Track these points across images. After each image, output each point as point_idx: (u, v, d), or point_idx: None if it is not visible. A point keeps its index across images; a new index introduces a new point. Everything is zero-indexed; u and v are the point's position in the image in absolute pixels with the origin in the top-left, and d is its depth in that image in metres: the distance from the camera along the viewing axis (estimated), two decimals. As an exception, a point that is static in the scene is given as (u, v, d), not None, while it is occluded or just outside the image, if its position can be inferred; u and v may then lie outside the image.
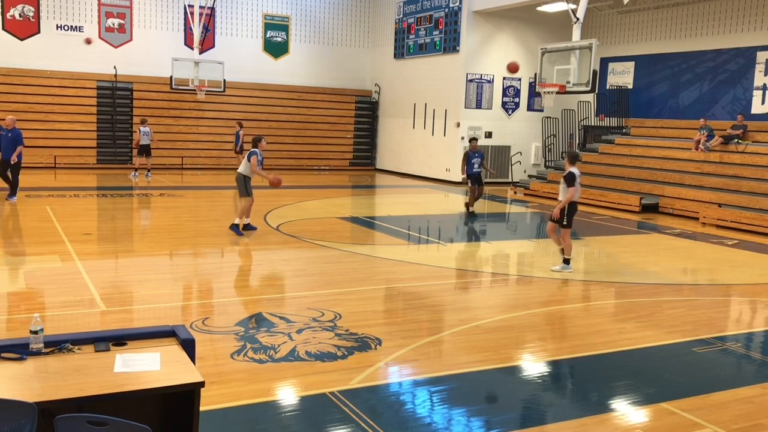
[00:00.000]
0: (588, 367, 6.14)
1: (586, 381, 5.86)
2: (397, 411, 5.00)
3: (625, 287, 9.36)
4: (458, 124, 22.78)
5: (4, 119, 14.63)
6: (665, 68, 20.99)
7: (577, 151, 10.31)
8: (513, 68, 19.12)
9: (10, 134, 14.30)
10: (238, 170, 11.90)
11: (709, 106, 19.75)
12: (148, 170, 20.58)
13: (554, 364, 6.12)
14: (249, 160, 11.63)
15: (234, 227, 11.82)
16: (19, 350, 3.26)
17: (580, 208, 17.68)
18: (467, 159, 15.53)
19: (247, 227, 12.03)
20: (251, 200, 11.85)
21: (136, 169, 20.80)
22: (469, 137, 16.22)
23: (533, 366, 6.11)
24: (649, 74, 21.49)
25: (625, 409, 5.21)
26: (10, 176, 14.57)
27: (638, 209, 16.94)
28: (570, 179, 9.61)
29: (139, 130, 20.32)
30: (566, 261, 9.89)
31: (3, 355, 3.23)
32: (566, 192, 9.62)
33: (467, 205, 15.85)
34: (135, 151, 20.88)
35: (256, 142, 11.95)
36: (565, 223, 9.78)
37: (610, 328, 7.36)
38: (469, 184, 15.69)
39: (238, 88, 24.20)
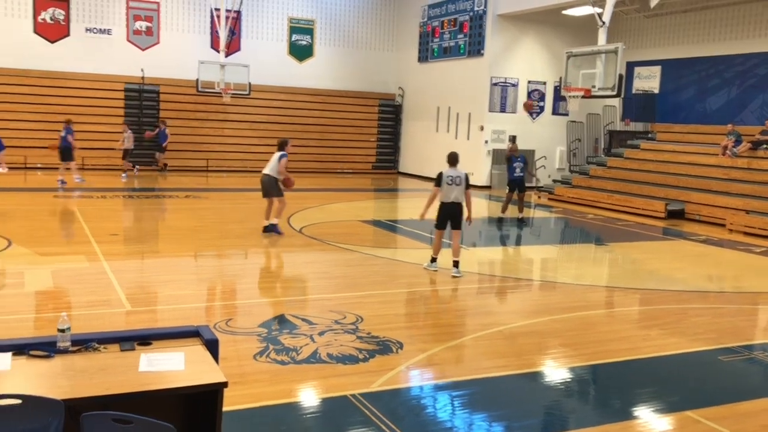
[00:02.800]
0: (611, 374, 6.09)
1: (609, 388, 5.81)
2: (418, 415, 5.00)
3: (650, 294, 9.27)
4: (482, 128, 22.71)
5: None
6: (692, 72, 20.74)
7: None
8: (528, 106, 18.99)
9: None
10: (264, 172, 11.97)
11: (738, 111, 19.47)
12: (125, 171, 20.31)
13: (577, 370, 6.07)
14: (279, 161, 11.75)
15: (272, 227, 11.94)
16: (47, 348, 3.32)
17: (605, 213, 17.68)
18: (509, 163, 15.03)
19: (270, 228, 12.11)
20: (284, 199, 12.00)
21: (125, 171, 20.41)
22: (509, 137, 15.59)
23: (556, 372, 6.07)
24: (676, 78, 21.25)
25: (648, 417, 5.16)
26: None
27: (664, 215, 16.75)
28: (437, 180, 9.61)
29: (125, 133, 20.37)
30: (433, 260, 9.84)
31: (31, 352, 3.29)
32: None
33: (502, 210, 15.43)
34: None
35: (283, 145, 12.05)
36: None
37: (634, 334, 7.29)
38: (508, 190, 15.20)
39: (263, 91, 24.37)
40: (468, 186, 9.63)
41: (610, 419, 5.09)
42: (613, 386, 5.81)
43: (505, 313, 7.99)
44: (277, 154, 11.90)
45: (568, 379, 5.89)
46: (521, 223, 15.07)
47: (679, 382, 5.94)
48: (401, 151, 27.46)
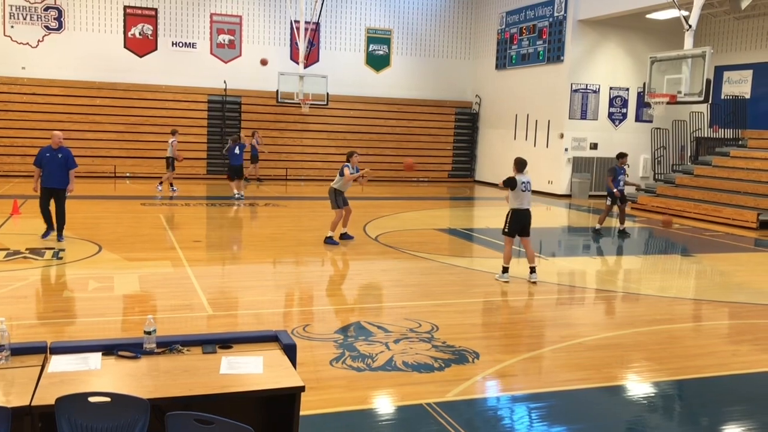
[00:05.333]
0: (697, 391, 5.83)
1: (695, 405, 5.56)
2: (495, 426, 4.92)
3: (740, 307, 8.84)
4: (562, 135, 22.28)
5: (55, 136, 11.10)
6: (787, 76, 19.74)
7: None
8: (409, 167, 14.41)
9: (60, 155, 10.95)
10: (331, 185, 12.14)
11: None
12: (161, 182, 19.32)
13: (660, 386, 5.84)
14: (342, 174, 11.88)
15: (329, 239, 12.07)
16: (134, 349, 3.45)
17: (692, 223, 17.00)
18: (614, 174, 14.28)
19: (345, 236, 12.24)
20: (341, 212, 12.08)
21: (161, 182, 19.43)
22: (618, 153, 14.88)
23: (638, 386, 5.86)
24: (769, 83, 20.26)
25: (739, 437, 4.91)
26: (54, 210, 11.11)
27: (755, 225, 15.97)
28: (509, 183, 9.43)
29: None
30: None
31: (120, 353, 3.42)
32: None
33: (599, 222, 14.61)
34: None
35: (348, 157, 12.19)
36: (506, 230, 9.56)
37: (722, 350, 6.96)
38: (608, 203, 14.43)
39: (340, 101, 24.69)
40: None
41: (697, 438, 4.87)
42: (700, 403, 5.56)
43: (585, 324, 7.78)
44: (342, 166, 12.08)
45: (652, 395, 5.68)
46: (623, 235, 14.45)
47: (772, 401, 5.63)
48: (478, 159, 27.25)
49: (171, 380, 3.18)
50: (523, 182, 9.42)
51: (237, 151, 17.90)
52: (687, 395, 5.79)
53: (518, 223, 9.48)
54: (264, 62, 21.04)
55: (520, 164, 9.58)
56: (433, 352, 6.32)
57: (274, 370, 3.34)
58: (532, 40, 23.42)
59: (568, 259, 12.43)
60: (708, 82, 14.96)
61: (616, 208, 14.71)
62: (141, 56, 23.20)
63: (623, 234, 14.39)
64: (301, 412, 3.33)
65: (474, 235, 14.49)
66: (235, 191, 17.96)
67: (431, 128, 26.51)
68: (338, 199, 11.98)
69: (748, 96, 20.84)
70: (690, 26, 15.35)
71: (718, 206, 17.37)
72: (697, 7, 15.30)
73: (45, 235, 11.15)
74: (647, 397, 5.64)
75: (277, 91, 22.45)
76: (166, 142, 18.98)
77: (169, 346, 3.52)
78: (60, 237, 11.09)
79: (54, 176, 10.89)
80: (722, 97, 21.23)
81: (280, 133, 24.57)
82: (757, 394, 5.80)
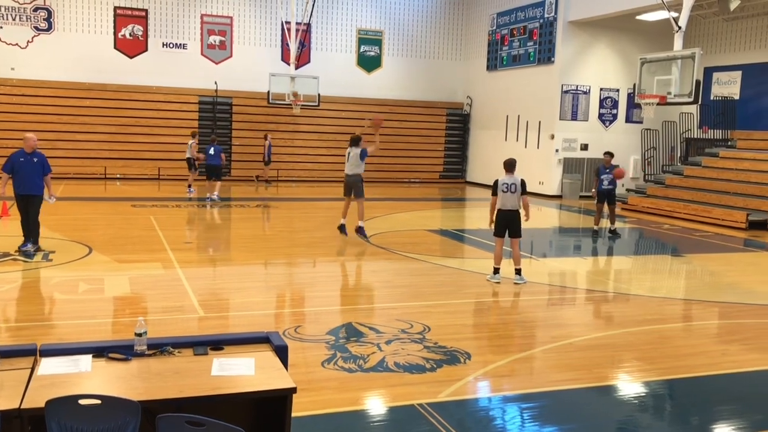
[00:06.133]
0: (688, 390, 5.86)
1: (685, 404, 5.59)
2: (486, 426, 4.93)
3: (730, 307, 8.89)
4: (552, 136, 22.35)
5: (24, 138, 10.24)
6: (776, 77, 19.87)
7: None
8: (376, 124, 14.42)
9: (35, 159, 9.99)
10: (348, 173, 12.24)
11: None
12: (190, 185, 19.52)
13: (652, 385, 5.87)
14: (363, 159, 12.15)
15: (360, 230, 12.40)
16: (124, 351, 3.44)
17: (682, 224, 17.08)
18: (597, 174, 14.30)
19: (358, 230, 12.47)
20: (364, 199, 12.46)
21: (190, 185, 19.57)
22: (604, 151, 14.89)
23: (629, 386, 5.89)
24: (758, 84, 20.39)
25: (728, 436, 4.94)
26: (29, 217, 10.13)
27: (744, 226, 16.07)
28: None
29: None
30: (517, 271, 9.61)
31: (110, 355, 3.41)
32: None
33: (595, 223, 14.54)
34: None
35: (358, 141, 12.40)
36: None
37: (712, 349, 7.00)
38: (596, 202, 14.40)
39: (331, 102, 24.68)
40: (524, 192, 9.50)
41: (688, 437, 4.90)
42: (690, 402, 5.59)
43: (575, 325, 7.81)
44: (357, 152, 12.21)
45: (643, 394, 5.70)
46: (614, 235, 14.40)
47: (762, 400, 5.66)
48: (469, 160, 27.29)
49: (162, 382, 3.17)
50: (505, 183, 9.44)
51: (212, 151, 17.70)
52: (677, 395, 5.81)
53: (502, 224, 9.55)
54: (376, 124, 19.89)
55: (507, 165, 9.63)
56: (424, 353, 6.32)
57: (265, 371, 3.34)
58: (523, 42, 23.48)
59: (558, 260, 12.47)
60: (697, 83, 15.05)
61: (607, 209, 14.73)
62: (131, 57, 23.11)
63: (614, 234, 14.41)
64: (293, 414, 3.33)
65: (465, 236, 14.52)
66: (208, 193, 17.61)
67: (422, 129, 26.53)
68: (362, 187, 12.31)
69: (737, 97, 20.97)
70: (679, 27, 15.44)
71: (708, 207, 17.47)
72: (686, 9, 15.39)
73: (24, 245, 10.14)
74: (638, 397, 5.66)
75: (268, 92, 22.42)
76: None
77: (160, 348, 3.51)
78: (30, 245, 10.06)
79: (28, 182, 9.86)
80: (711, 98, 21.36)
81: (271, 134, 24.48)
82: (746, 393, 5.83)
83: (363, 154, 12.16)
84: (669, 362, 6.47)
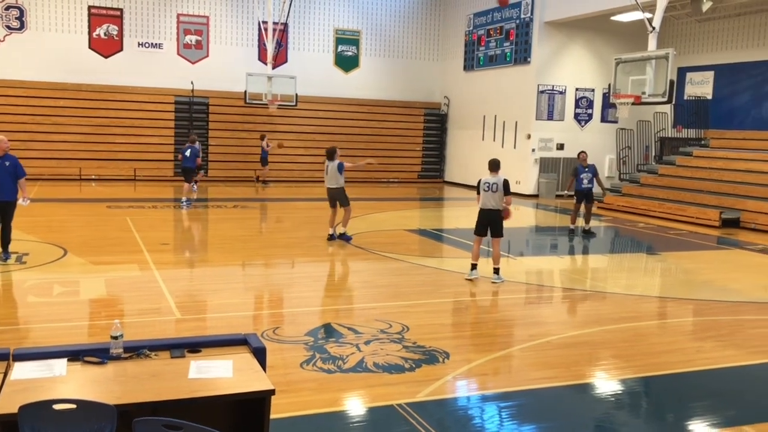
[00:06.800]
0: (664, 387, 5.93)
1: (661, 400, 5.66)
2: (465, 425, 4.95)
3: (704, 305, 9.01)
4: (529, 136, 22.50)
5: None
6: (747, 77, 20.18)
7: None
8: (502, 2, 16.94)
9: (7, 163, 9.48)
10: (329, 186, 12.27)
11: (795, 116, 18.86)
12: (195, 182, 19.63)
13: (628, 383, 5.93)
14: (341, 172, 12.10)
15: (344, 236, 12.32)
16: (100, 355, 3.40)
17: (657, 222, 17.28)
18: (575, 174, 14.26)
19: (342, 237, 12.42)
20: (350, 207, 12.48)
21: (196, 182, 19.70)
22: (580, 151, 14.92)
23: (606, 384, 5.94)
24: (730, 84, 20.70)
25: (704, 431, 5.01)
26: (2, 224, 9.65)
27: (718, 224, 16.30)
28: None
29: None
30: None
31: (85, 359, 3.37)
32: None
33: (572, 222, 14.62)
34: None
35: (333, 155, 12.27)
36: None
37: (687, 346, 7.10)
38: (575, 201, 14.37)
39: (309, 102, 24.61)
40: (507, 192, 9.55)
41: (664, 433, 4.96)
42: (666, 399, 5.66)
43: (553, 323, 7.87)
44: (334, 165, 12.14)
45: (619, 392, 5.76)
46: (588, 234, 14.45)
47: (735, 395, 5.75)
48: (447, 160, 27.38)
49: (138, 385, 3.14)
50: (487, 183, 9.52)
51: (188, 153, 17.48)
52: (653, 391, 5.88)
53: (482, 223, 9.63)
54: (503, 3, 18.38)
55: (491, 165, 9.72)
56: (403, 353, 6.33)
57: (243, 373, 3.32)
58: (500, 42, 23.61)
59: (535, 259, 12.57)
60: (671, 83, 15.22)
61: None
62: (106, 57, 22.86)
63: (588, 233, 14.51)
64: (272, 416, 3.31)
65: (444, 236, 14.56)
66: (183, 196, 17.17)
67: (400, 129, 26.56)
68: (346, 195, 12.31)
69: (710, 96, 21.28)
70: (653, 28, 15.61)
71: (682, 205, 17.69)
72: (660, 10, 15.56)
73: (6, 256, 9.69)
74: (615, 394, 5.72)
75: (245, 91, 22.30)
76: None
77: (136, 350, 3.47)
78: (6, 255, 9.65)
79: (1, 187, 9.36)
80: (685, 97, 21.64)
81: (248, 134, 24.39)
82: (721, 389, 5.92)
83: (340, 168, 12.11)
84: (645, 359, 6.54)
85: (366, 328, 7.09)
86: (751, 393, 5.84)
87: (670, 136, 22.25)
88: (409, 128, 26.73)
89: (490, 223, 9.56)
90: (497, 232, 9.60)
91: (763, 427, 5.00)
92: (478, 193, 9.64)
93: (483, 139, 24.72)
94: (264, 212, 17.11)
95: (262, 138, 22.53)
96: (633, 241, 15.08)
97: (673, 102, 17.61)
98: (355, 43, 26.00)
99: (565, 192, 14.53)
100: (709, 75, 21.28)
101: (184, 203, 16.78)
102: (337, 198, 12.30)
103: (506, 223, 9.89)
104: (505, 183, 9.53)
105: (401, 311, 7.86)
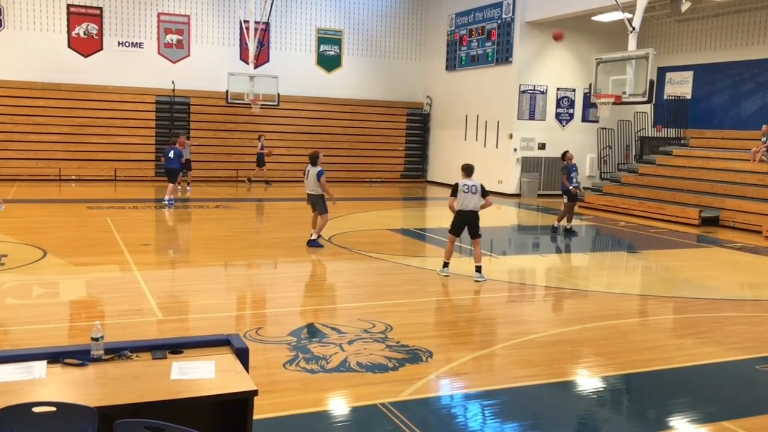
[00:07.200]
0: (645, 384, 5.98)
1: (642, 397, 5.71)
2: (448, 424, 4.96)
3: (684, 302, 9.11)
4: (511, 136, 22.59)
5: None
6: (726, 77, 20.42)
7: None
8: (558, 36, 17.34)
9: None
10: (308, 192, 11.82)
11: (773, 115, 19.10)
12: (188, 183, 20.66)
13: (610, 380, 5.98)
14: (319, 179, 11.60)
15: (314, 243, 11.85)
16: (80, 356, 3.36)
17: (637, 221, 17.43)
18: (567, 172, 14.25)
19: (312, 243, 11.99)
20: (328, 216, 11.93)
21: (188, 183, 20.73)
22: (562, 153, 14.91)
23: (588, 381, 5.99)
24: (709, 84, 20.94)
25: (684, 427, 5.06)
26: None
27: (698, 222, 16.47)
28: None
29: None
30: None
31: (66, 361, 3.33)
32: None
33: (558, 220, 14.63)
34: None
35: (316, 159, 11.84)
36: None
37: (667, 344, 7.16)
38: (566, 200, 14.35)
39: (291, 102, 24.55)
40: (486, 194, 9.71)
41: (645, 429, 5.01)
42: (647, 396, 5.71)
43: (535, 321, 7.91)
44: (314, 171, 11.70)
45: (601, 389, 5.81)
46: (570, 233, 14.47)
47: (715, 392, 5.82)
48: (429, 159, 27.43)
49: (120, 387, 3.11)
50: (466, 185, 9.60)
51: (171, 155, 17.36)
52: (635, 389, 5.93)
53: (460, 224, 9.70)
54: (558, 36, 18.02)
55: (466, 169, 9.82)
56: (387, 352, 6.34)
57: (226, 374, 3.30)
58: (481, 42, 23.69)
59: (517, 257, 12.62)
60: (651, 82, 15.36)
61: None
62: (86, 56, 22.64)
63: (570, 232, 14.59)
64: (255, 416, 3.30)
65: (426, 235, 14.59)
66: (166, 196, 17.05)
67: (383, 129, 26.57)
68: (325, 203, 11.82)
69: (689, 96, 21.50)
70: (633, 28, 15.74)
71: (663, 204, 17.87)
72: (639, 10, 15.70)
73: None
74: (597, 392, 5.76)
75: (227, 91, 22.21)
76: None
77: (117, 352, 3.44)
78: None
79: None
80: (665, 97, 21.85)
81: (230, 134, 24.30)
82: (701, 385, 5.99)
83: (318, 175, 11.71)
84: (626, 357, 6.60)
85: (349, 328, 7.09)
86: (731, 389, 5.91)
87: (650, 135, 22.45)
88: (391, 128, 26.75)
89: (469, 224, 9.65)
90: (476, 233, 9.70)
91: (743, 423, 5.07)
92: (453, 195, 9.68)
93: (465, 139, 24.79)
94: (246, 212, 17.04)
95: (259, 138, 22.46)
96: (614, 240, 15.20)
97: (653, 102, 17.78)
98: (338, 42, 25.97)
99: (572, 189, 14.24)
100: (689, 75, 21.51)
101: (167, 202, 16.72)
102: (314, 204, 11.91)
103: (489, 222, 9.94)
104: (482, 187, 9.74)
105: (384, 311, 7.87)
